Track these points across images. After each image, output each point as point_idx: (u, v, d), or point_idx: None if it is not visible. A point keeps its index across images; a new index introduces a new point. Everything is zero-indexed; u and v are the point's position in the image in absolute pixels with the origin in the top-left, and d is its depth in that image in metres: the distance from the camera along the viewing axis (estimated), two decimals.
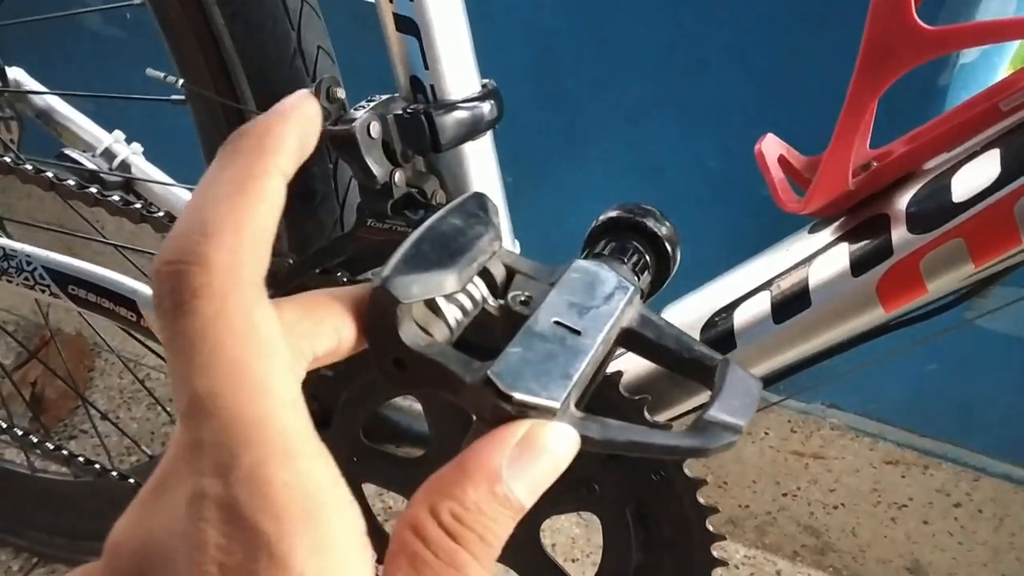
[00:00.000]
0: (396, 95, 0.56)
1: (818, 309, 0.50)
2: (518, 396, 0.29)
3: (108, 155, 0.82)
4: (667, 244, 0.46)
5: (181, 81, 0.60)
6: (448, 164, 0.57)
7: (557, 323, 0.33)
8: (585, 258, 0.40)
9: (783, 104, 0.87)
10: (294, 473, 0.23)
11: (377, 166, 0.54)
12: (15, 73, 0.87)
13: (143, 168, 0.81)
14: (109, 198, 0.68)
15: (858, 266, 0.48)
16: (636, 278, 0.44)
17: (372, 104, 0.55)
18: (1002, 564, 1.09)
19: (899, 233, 0.47)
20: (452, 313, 0.33)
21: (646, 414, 0.49)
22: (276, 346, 0.25)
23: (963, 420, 1.02)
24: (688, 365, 0.36)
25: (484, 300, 0.35)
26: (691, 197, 0.96)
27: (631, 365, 0.55)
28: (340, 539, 0.24)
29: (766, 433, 1.12)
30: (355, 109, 0.54)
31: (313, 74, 0.60)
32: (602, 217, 0.47)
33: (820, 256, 0.50)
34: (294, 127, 0.29)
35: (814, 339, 0.51)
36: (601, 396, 0.51)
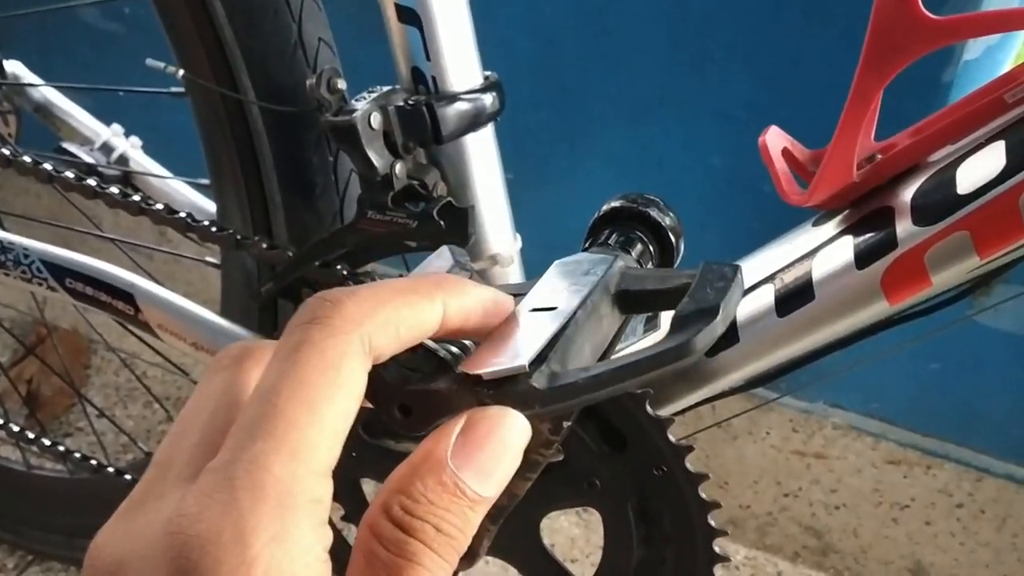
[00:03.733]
0: (397, 87, 0.56)
1: (822, 302, 0.50)
2: (484, 371, 0.29)
3: (106, 149, 0.82)
4: (670, 234, 0.46)
5: (182, 71, 0.60)
6: (449, 156, 0.56)
7: (533, 310, 0.33)
8: (585, 249, 0.39)
9: (787, 99, 0.87)
10: (289, 474, 0.24)
11: (378, 157, 0.53)
12: (13, 66, 0.87)
13: (141, 162, 0.81)
14: (107, 191, 0.68)
15: (862, 259, 0.48)
16: (636, 264, 0.44)
17: (373, 95, 0.54)
18: (1004, 565, 1.09)
19: (904, 226, 0.46)
20: (444, 347, 0.33)
21: (648, 408, 0.49)
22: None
23: (966, 420, 1.01)
24: (675, 295, 0.34)
25: None
26: (693, 193, 0.95)
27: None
28: (303, 542, 0.24)
29: (767, 433, 1.11)
30: (356, 100, 0.54)
31: (314, 66, 0.60)
32: (605, 207, 0.47)
33: (824, 249, 0.50)
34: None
35: (817, 333, 0.51)
36: None
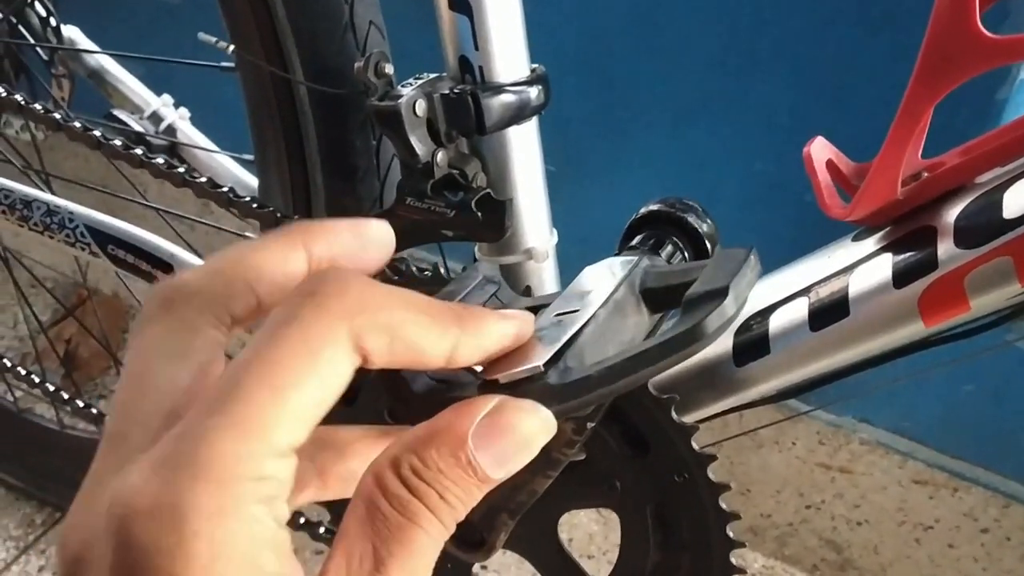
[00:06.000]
0: (444, 75, 0.56)
1: (857, 319, 0.49)
2: (502, 375, 0.29)
3: (155, 118, 0.83)
4: (707, 242, 0.46)
5: (232, 47, 0.60)
6: (491, 147, 0.56)
7: (557, 315, 0.33)
8: (618, 253, 0.39)
9: (835, 109, 0.86)
10: (234, 451, 0.23)
11: (420, 144, 0.53)
12: (70, 31, 0.88)
13: (189, 133, 0.82)
14: (153, 160, 0.69)
15: (901, 278, 0.47)
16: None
17: (420, 82, 0.54)
18: None
19: (945, 247, 0.46)
20: None
21: (673, 413, 0.49)
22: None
23: (996, 444, 1.00)
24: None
25: None
26: (734, 198, 0.94)
27: None
28: (247, 518, 0.23)
29: (793, 443, 1.10)
30: (402, 86, 0.54)
31: (363, 48, 0.60)
32: (643, 210, 0.46)
33: (862, 265, 0.49)
34: None
35: (850, 350, 0.50)
36: (628, 394, 0.50)
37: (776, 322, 0.52)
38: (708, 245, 0.46)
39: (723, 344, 0.53)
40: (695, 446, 0.50)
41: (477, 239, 0.58)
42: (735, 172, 0.94)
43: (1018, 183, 0.44)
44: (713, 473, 0.49)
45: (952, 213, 0.46)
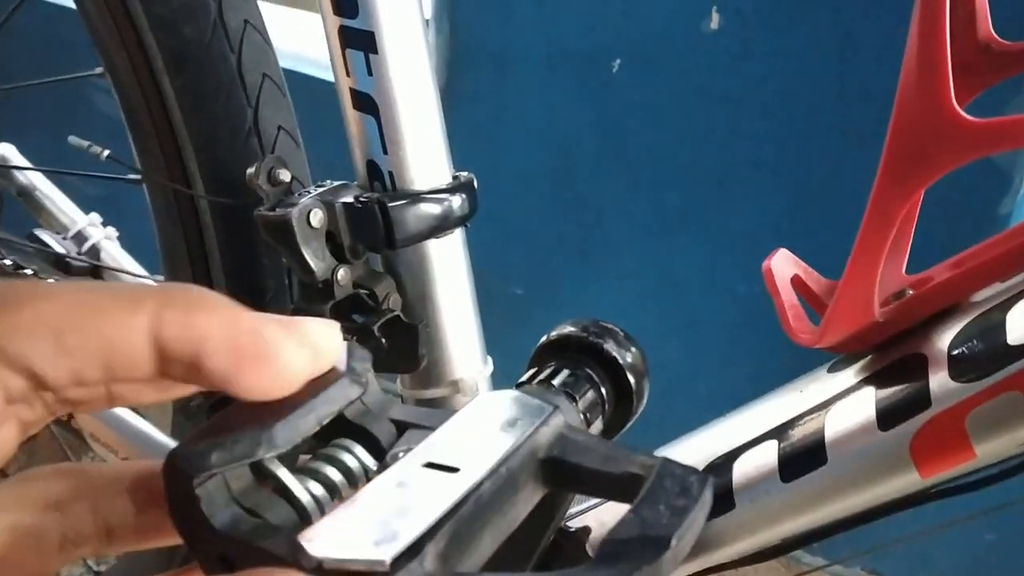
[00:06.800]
0: (351, 183, 0.49)
1: (836, 468, 0.40)
2: (327, 556, 0.20)
3: (80, 238, 0.76)
4: (630, 375, 0.37)
5: (107, 152, 0.54)
6: (408, 263, 0.49)
7: (429, 465, 0.24)
8: (518, 387, 0.31)
9: (821, 224, 0.78)
10: None
11: (317, 260, 0.46)
12: (4, 149, 0.83)
13: (113, 253, 0.75)
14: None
15: (887, 418, 0.39)
16: (582, 417, 0.35)
17: (320, 190, 0.48)
18: None
19: (939, 379, 0.37)
20: (308, 490, 0.24)
21: None
22: None
23: None
24: (620, 486, 0.25)
25: (365, 468, 0.26)
26: (716, 321, 0.86)
27: (605, 519, 0.45)
28: None
29: None
30: (299, 195, 0.47)
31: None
32: (553, 333, 0.38)
33: (840, 402, 0.41)
34: None
35: (831, 504, 0.41)
36: (566, 558, 0.41)
37: (741, 469, 0.43)
38: (632, 380, 0.37)
39: None
40: None
41: (388, 370, 0.50)
42: (716, 295, 0.86)
43: (1022, 302, 0.36)
44: None
45: (945, 338, 0.38)
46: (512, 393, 0.29)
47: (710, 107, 0.78)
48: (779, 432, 0.42)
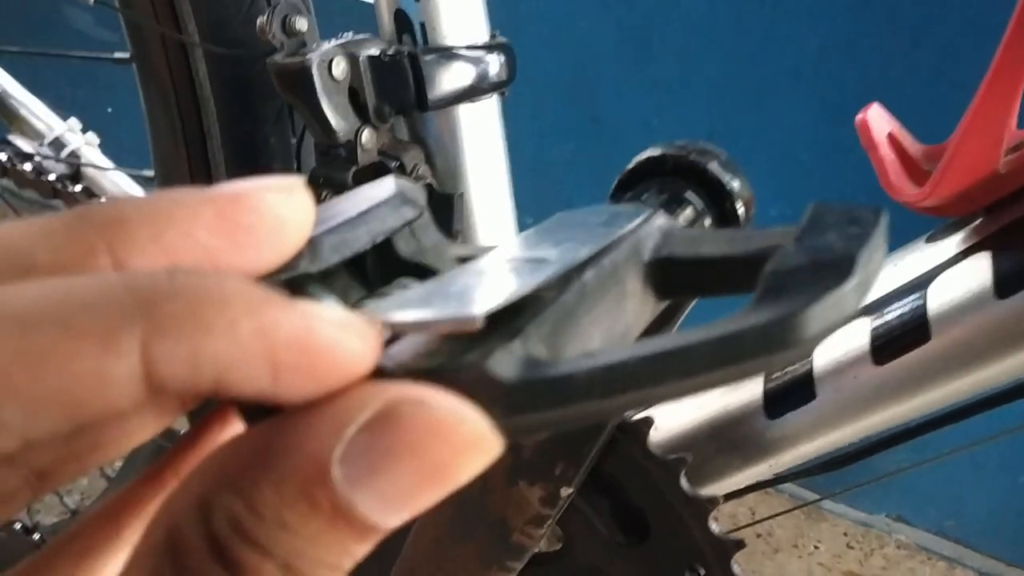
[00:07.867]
0: (374, 36, 0.43)
1: (940, 348, 0.35)
2: (396, 318, 0.16)
3: (57, 145, 0.70)
4: (738, 203, 0.32)
5: None
6: (438, 130, 0.44)
7: (512, 259, 0.19)
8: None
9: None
10: None
11: (339, 118, 0.41)
12: None
13: (95, 160, 0.69)
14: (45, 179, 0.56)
15: (1007, 283, 0.34)
16: None
17: (341, 41, 0.42)
18: None
19: None
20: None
21: (682, 481, 0.34)
22: None
23: None
24: (754, 267, 0.18)
25: None
26: None
27: (668, 414, 0.40)
28: None
29: (816, 547, 0.95)
30: (318, 45, 0.41)
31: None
32: (642, 155, 0.32)
33: (945, 273, 0.36)
34: None
35: (933, 390, 0.36)
36: (620, 453, 0.36)
37: (824, 355, 0.38)
38: (740, 209, 0.32)
39: (750, 388, 0.39)
40: (714, 528, 0.35)
41: None
42: None
43: None
44: (738, 565, 0.34)
45: None
46: (599, 206, 0.24)
47: (742, 9, 0.73)
48: (872, 309, 0.37)
